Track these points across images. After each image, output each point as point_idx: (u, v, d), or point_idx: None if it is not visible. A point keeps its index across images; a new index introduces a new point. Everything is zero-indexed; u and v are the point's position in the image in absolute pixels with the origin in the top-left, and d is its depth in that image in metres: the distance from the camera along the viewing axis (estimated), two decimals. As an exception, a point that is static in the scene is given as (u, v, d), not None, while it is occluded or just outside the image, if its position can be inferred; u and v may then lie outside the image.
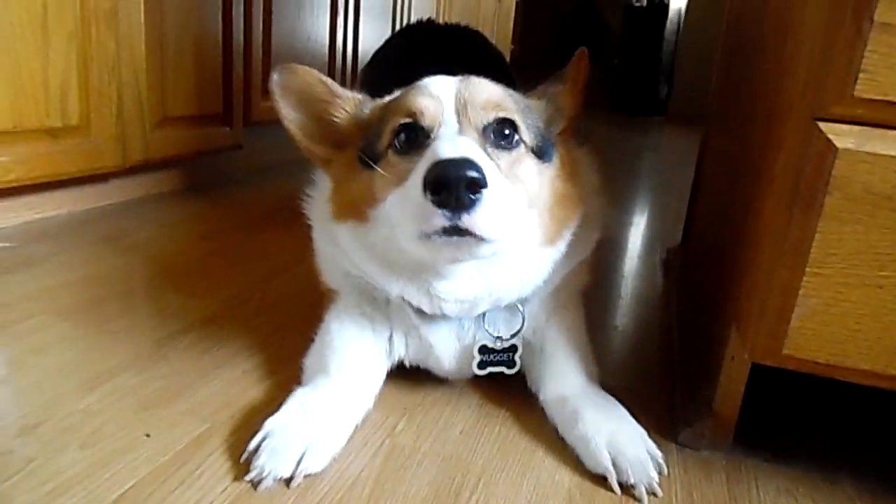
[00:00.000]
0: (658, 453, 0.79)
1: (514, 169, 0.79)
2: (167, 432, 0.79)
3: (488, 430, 0.87)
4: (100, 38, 1.53)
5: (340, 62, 2.65)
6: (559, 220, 0.85)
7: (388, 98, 0.89)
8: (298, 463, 0.72)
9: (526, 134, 0.81)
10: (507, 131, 0.79)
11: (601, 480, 0.76)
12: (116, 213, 1.71)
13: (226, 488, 0.71)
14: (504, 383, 0.97)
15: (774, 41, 0.86)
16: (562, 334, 0.93)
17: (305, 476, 0.72)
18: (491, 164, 0.74)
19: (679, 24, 6.69)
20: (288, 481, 0.71)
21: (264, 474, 0.71)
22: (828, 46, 0.63)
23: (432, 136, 0.77)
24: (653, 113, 6.72)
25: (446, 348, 0.89)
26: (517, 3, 5.15)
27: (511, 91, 0.85)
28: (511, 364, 0.90)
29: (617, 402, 0.87)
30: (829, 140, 0.62)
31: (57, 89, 1.45)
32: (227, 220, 1.77)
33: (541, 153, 0.83)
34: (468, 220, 0.67)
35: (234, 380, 0.92)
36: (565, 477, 0.78)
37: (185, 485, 0.71)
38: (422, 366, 0.94)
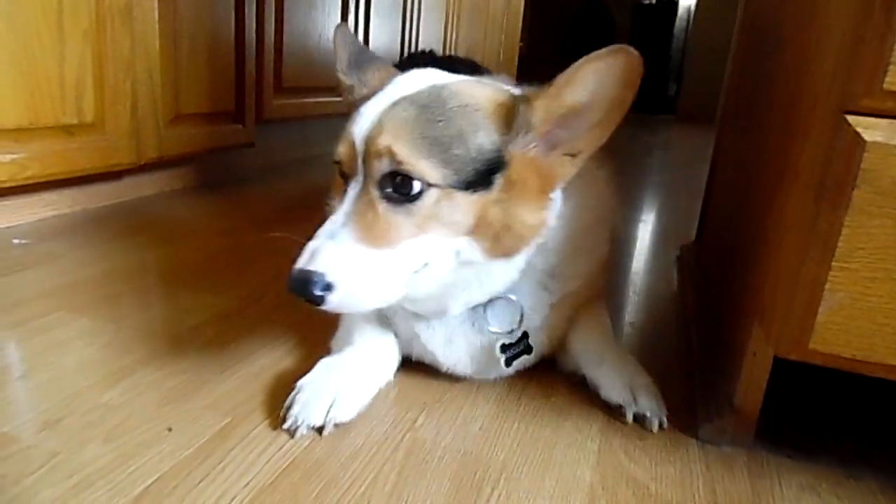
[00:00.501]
0: (664, 408, 0.89)
1: (418, 221, 0.74)
2: (189, 426, 0.80)
3: (507, 425, 0.86)
4: (115, 36, 1.54)
5: (351, 60, 2.64)
6: (507, 246, 0.79)
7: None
8: (328, 412, 0.80)
9: (436, 174, 0.72)
10: (401, 182, 0.72)
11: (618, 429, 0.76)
12: (131, 211, 1.72)
13: (249, 482, 0.71)
14: (521, 380, 0.97)
15: (796, 35, 0.85)
16: (586, 310, 1.00)
17: (335, 425, 0.80)
18: (351, 250, 0.72)
19: (688, 21, 6.66)
20: (320, 430, 0.80)
21: (298, 423, 0.79)
22: (856, 39, 0.62)
23: (348, 188, 0.77)
24: (661, 111, 6.70)
25: (445, 346, 0.92)
26: (525, 1, 5.13)
27: (436, 113, 0.74)
28: (529, 349, 0.92)
29: (635, 359, 0.95)
30: (857, 133, 0.61)
31: (73, 87, 1.46)
32: (240, 217, 1.78)
33: (469, 184, 0.74)
34: (330, 307, 0.72)
35: (253, 375, 0.93)
36: (587, 472, 0.77)
37: (209, 478, 0.71)
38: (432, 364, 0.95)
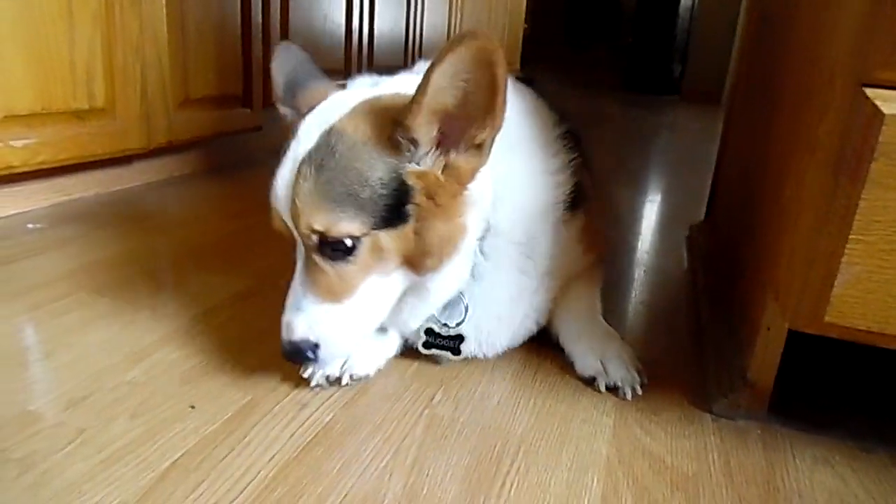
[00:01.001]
0: (639, 370, 0.92)
1: (362, 267, 0.78)
2: (211, 403, 0.81)
3: (524, 401, 0.88)
4: (124, 20, 1.54)
5: (357, 44, 2.64)
6: (433, 263, 0.81)
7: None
8: (344, 364, 0.87)
9: (356, 226, 0.75)
10: (334, 243, 0.76)
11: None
12: (141, 195, 1.73)
13: (273, 456, 0.72)
14: (536, 358, 0.98)
15: (811, 9, 0.85)
16: (574, 286, 1.02)
17: (351, 376, 0.87)
18: (319, 312, 0.79)
19: (693, 1, 6.59)
20: (338, 380, 0.86)
21: (315, 372, 0.86)
22: (874, 11, 0.62)
23: (296, 253, 0.82)
24: (666, 92, 6.65)
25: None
26: (529, -18, 5.09)
27: (333, 169, 0.74)
28: (456, 352, 0.93)
29: (614, 331, 0.98)
30: (875, 106, 0.62)
31: (83, 71, 1.46)
32: (249, 201, 1.78)
33: (387, 221, 0.76)
34: (322, 361, 0.82)
35: (271, 354, 0.93)
36: (603, 446, 0.79)
37: (235, 452, 0.72)
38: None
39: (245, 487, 0.67)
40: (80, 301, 1.07)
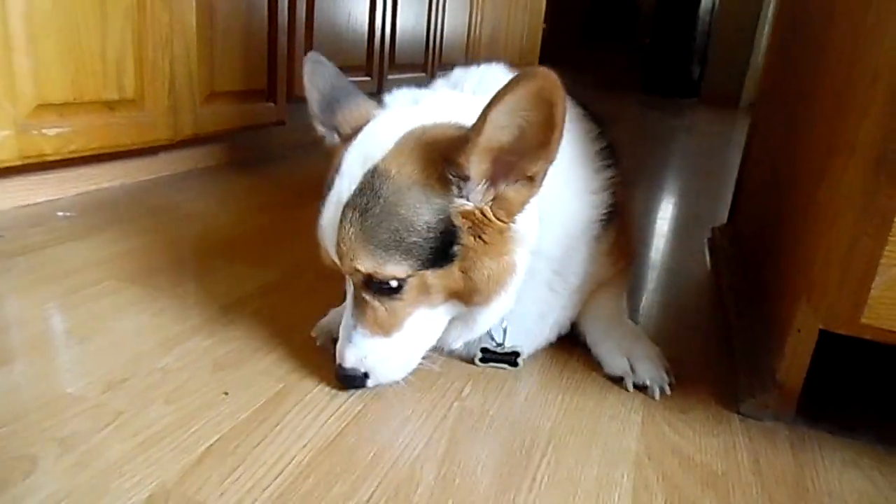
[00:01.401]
0: (667, 370, 0.92)
1: (408, 304, 0.80)
2: (244, 391, 0.82)
3: (551, 397, 0.88)
4: (154, 13, 1.56)
5: (379, 42, 2.65)
6: (482, 299, 0.81)
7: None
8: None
9: (402, 268, 0.75)
10: (379, 282, 0.77)
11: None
12: (167, 186, 1.75)
13: (306, 444, 0.73)
14: (562, 355, 0.99)
15: (851, 11, 0.84)
16: (600, 289, 1.01)
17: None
18: (368, 345, 0.82)
19: (713, 3, 6.55)
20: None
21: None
22: (919, 13, 0.62)
23: (346, 287, 0.84)
24: (685, 94, 6.61)
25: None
26: (549, -18, 5.08)
27: (377, 214, 0.74)
28: (514, 364, 0.94)
29: (640, 331, 0.99)
30: (919, 107, 0.62)
31: (114, 63, 1.48)
32: (274, 194, 1.80)
33: (433, 262, 0.76)
34: (371, 386, 0.84)
35: (302, 343, 0.95)
36: (632, 442, 0.79)
37: (268, 439, 0.73)
38: None
39: (280, 473, 0.68)
40: (111, 288, 1.09)
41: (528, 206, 0.78)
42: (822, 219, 0.77)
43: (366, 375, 0.83)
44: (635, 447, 0.78)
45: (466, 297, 0.81)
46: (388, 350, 0.82)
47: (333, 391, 0.84)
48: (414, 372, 0.88)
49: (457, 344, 0.92)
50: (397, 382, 0.86)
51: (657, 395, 0.89)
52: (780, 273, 0.94)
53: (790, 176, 1.02)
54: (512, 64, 0.98)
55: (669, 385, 0.91)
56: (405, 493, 0.67)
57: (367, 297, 0.79)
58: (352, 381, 0.83)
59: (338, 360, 0.83)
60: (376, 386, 0.84)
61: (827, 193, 0.78)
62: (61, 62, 1.36)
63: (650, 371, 0.91)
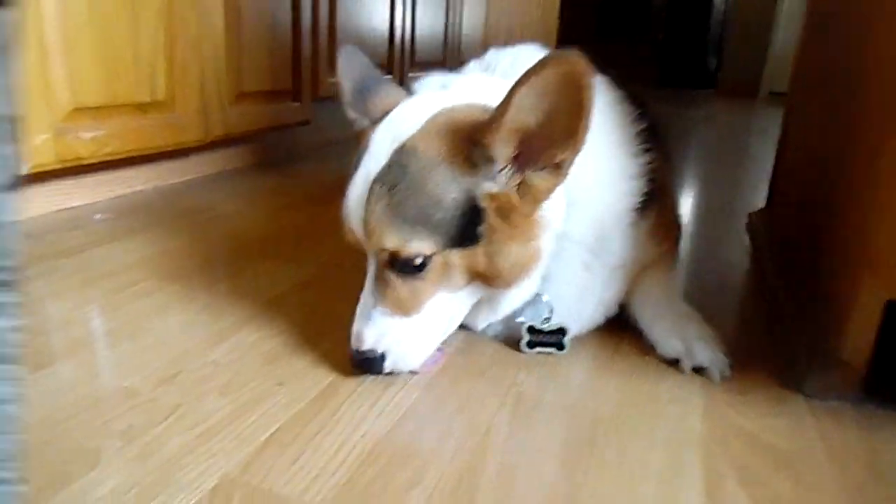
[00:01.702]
0: (725, 352, 0.89)
1: (430, 284, 0.80)
2: (297, 382, 0.81)
3: (605, 381, 0.86)
4: (183, 15, 1.56)
5: (399, 40, 2.65)
6: (506, 282, 0.82)
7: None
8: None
9: (428, 245, 0.76)
10: (404, 260, 0.77)
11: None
12: (199, 188, 1.76)
13: (365, 433, 0.72)
14: (613, 340, 0.97)
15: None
16: (650, 270, 0.99)
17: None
18: (386, 324, 0.81)
19: (729, -7, 6.48)
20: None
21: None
22: None
23: (367, 264, 0.83)
24: (702, 86, 6.55)
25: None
26: (563, -24, 5.05)
27: (405, 190, 0.74)
28: (560, 346, 0.92)
29: (695, 312, 0.96)
30: None
31: (146, 65, 1.49)
32: (302, 193, 1.80)
33: (459, 240, 0.77)
34: (388, 370, 0.82)
35: (345, 336, 0.94)
36: (696, 424, 0.77)
37: (326, 429, 0.72)
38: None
39: (343, 461, 0.67)
40: (152, 288, 1.09)
41: (549, 196, 0.78)
42: (884, 188, 0.75)
43: (383, 358, 0.81)
44: (699, 429, 0.76)
45: (489, 280, 0.81)
46: (408, 331, 0.81)
47: (386, 382, 0.83)
48: (450, 362, 0.87)
49: (482, 324, 0.91)
50: (413, 372, 0.84)
51: (717, 377, 0.87)
52: (835, 249, 0.92)
53: (841, 155, 0.99)
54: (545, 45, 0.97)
55: (729, 367, 0.88)
56: (469, 480, 0.66)
57: (390, 275, 0.79)
58: (369, 363, 0.81)
59: (353, 344, 0.81)
60: (391, 373, 0.83)
61: (887, 164, 0.75)
62: (96, 65, 1.37)
63: (707, 353, 0.88)
